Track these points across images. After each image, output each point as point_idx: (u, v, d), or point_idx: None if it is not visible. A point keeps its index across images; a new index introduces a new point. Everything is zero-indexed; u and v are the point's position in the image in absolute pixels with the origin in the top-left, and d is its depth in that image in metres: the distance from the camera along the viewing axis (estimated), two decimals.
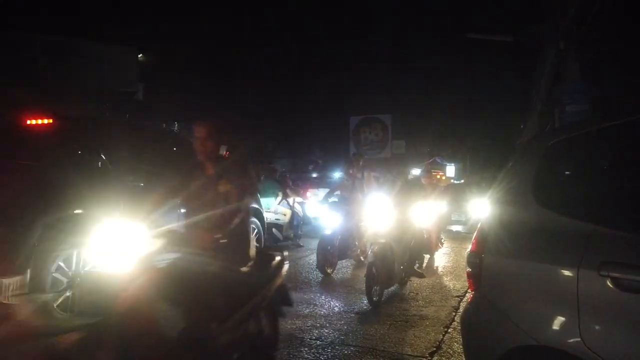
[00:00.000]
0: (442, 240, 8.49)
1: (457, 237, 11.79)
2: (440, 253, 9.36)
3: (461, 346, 3.90)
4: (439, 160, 36.64)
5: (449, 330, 4.34)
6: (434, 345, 3.95)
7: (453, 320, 4.66)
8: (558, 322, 1.87)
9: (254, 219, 6.97)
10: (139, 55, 18.35)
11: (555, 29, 12.00)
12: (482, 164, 34.93)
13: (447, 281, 6.51)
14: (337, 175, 15.53)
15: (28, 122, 4.76)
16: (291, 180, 11.63)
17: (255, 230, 7.04)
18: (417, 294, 5.73)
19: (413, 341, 4.01)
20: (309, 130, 29.94)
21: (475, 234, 2.36)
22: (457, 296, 5.65)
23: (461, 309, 5.04)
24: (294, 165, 28.11)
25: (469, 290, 5.85)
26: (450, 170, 36.96)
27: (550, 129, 12.30)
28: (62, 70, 14.01)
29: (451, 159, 37.78)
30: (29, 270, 3.50)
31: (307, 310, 4.86)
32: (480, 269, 2.20)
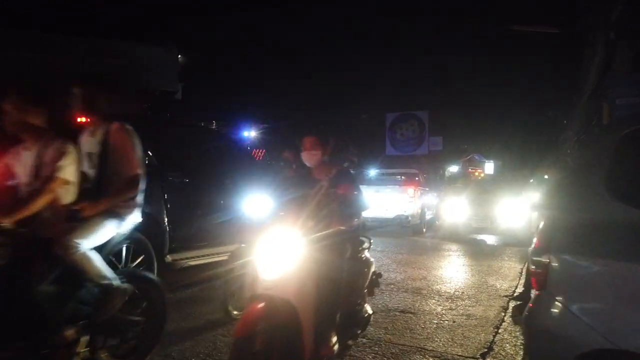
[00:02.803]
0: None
1: (479, 252, 8.80)
2: (487, 251, 9.07)
3: (514, 348, 3.76)
4: (477, 157, 35.79)
5: (500, 331, 4.17)
6: (485, 346, 3.81)
7: (503, 320, 4.49)
8: (638, 324, 1.73)
9: None
10: (178, 56, 18.44)
11: (605, 17, 11.46)
12: (521, 160, 33.83)
13: (493, 280, 6.30)
14: (372, 172, 15.24)
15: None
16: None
17: None
18: (463, 292, 5.56)
19: (462, 341, 3.88)
20: (344, 127, 29.79)
21: (539, 230, 2.23)
22: (505, 296, 5.45)
23: (510, 309, 4.85)
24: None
25: (517, 290, 5.64)
26: (489, 167, 36.02)
27: (617, 120, 11.67)
28: (106, 71, 14.43)
29: (490, 156, 36.81)
30: None
31: None
32: (546, 267, 2.07)
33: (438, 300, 5.16)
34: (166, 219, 4.53)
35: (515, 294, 5.52)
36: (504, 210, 10.66)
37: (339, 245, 2.98)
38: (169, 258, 4.61)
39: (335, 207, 2.92)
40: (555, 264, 2.04)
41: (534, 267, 2.17)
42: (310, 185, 3.02)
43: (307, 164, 3.28)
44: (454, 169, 31.19)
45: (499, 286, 5.95)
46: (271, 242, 2.59)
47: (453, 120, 29.39)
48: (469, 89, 31.07)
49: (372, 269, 3.48)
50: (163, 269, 4.52)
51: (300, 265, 2.58)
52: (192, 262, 4.95)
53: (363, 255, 3.41)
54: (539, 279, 2.14)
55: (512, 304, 5.05)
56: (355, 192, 3.12)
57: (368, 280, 3.41)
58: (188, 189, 4.93)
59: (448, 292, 5.55)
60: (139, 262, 4.17)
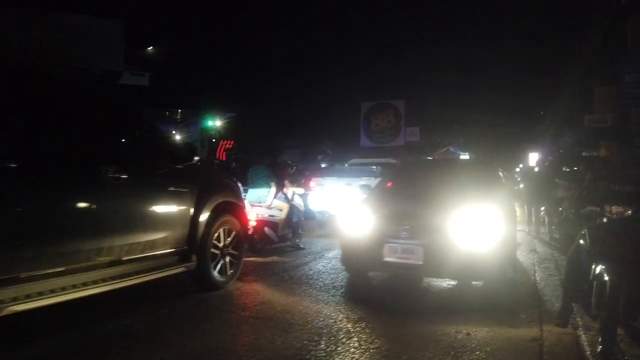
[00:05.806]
0: None
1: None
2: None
3: None
4: (452, 150, 34.57)
5: None
6: None
7: None
8: None
9: (229, 217, 5.01)
10: (149, 48, 18.50)
11: None
12: (497, 152, 32.93)
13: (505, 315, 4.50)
14: (346, 165, 13.63)
15: None
16: (293, 168, 9.75)
17: (233, 233, 5.07)
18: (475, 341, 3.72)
19: None
20: (318, 119, 28.16)
21: None
22: (534, 339, 3.63)
23: None
24: (303, 155, 26.33)
25: (543, 327, 3.79)
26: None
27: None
28: (38, 44, 12.33)
29: (465, 148, 35.81)
30: None
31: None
32: None
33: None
34: None
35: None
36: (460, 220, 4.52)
37: None
38: None
39: None
40: None
41: None
42: None
43: None
44: None
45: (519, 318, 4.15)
46: None
47: (430, 110, 28.09)
48: (446, 77, 29.62)
49: None
50: None
51: None
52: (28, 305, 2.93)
53: None
54: None
55: (548, 356, 3.23)
56: None
57: None
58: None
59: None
60: None
